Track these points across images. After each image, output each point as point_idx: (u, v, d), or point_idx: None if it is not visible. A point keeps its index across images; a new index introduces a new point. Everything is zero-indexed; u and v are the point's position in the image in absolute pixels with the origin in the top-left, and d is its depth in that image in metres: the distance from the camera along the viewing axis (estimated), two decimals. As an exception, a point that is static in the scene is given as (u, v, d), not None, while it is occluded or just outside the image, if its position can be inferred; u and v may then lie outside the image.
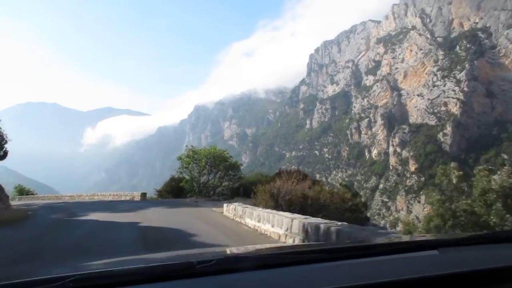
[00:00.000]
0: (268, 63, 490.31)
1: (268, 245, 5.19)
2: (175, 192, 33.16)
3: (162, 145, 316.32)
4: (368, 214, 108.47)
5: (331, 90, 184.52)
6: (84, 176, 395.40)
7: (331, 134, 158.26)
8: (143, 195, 34.23)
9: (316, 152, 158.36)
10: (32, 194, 54.13)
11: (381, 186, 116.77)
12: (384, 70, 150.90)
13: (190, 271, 1.78)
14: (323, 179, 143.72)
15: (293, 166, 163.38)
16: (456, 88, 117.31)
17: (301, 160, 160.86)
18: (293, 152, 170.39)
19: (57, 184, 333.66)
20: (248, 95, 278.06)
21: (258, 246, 3.97)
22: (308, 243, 6.91)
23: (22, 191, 54.10)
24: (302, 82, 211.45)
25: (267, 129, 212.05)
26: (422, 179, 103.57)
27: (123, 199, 34.73)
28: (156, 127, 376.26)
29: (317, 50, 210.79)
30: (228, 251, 2.82)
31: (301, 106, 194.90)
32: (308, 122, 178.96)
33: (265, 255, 2.17)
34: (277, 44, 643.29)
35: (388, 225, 76.64)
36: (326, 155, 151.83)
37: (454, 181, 14.47)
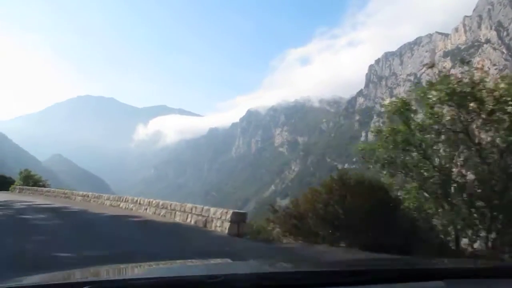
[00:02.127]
0: (324, 71, 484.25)
1: (267, 261, 4.99)
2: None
3: (211, 146, 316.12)
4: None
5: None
6: (133, 171, 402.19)
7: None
8: (240, 216, 11.82)
9: (370, 166, 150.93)
10: (43, 185, 43.35)
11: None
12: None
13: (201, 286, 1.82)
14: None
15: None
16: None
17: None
18: (346, 165, 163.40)
19: (106, 176, 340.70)
20: (301, 103, 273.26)
21: (259, 262, 4.03)
22: (311, 261, 6.10)
23: (27, 179, 44.35)
24: (359, 93, 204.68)
25: (319, 139, 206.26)
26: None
27: (178, 220, 14.51)
28: (206, 128, 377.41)
29: (377, 61, 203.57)
30: (232, 265, 2.91)
31: (357, 117, 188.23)
32: (363, 134, 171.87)
33: (270, 274, 2.18)
34: (334, 53, 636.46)
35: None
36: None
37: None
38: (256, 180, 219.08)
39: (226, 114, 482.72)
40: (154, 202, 17.18)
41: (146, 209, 17.44)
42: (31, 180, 44.14)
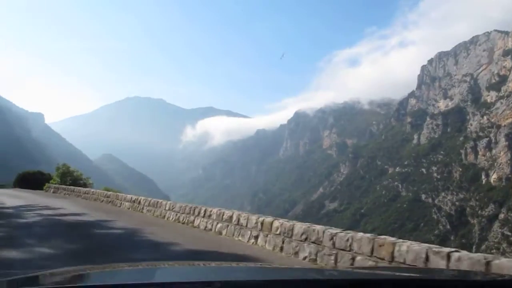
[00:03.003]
0: (373, 73, 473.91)
1: (267, 266, 4.50)
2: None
3: (259, 148, 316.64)
4: (483, 247, 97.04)
5: (443, 105, 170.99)
6: (181, 171, 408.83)
7: (442, 152, 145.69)
8: None
9: (423, 170, 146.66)
10: (84, 184, 37.83)
11: (501, 216, 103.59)
12: (511, 86, 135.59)
13: None
14: (429, 200, 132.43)
15: (395, 183, 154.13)
16: None
17: (405, 177, 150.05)
18: (397, 168, 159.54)
19: (155, 176, 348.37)
20: (350, 104, 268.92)
21: (259, 267, 3.84)
22: (317, 269, 5.49)
23: (65, 176, 38.57)
24: (411, 94, 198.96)
25: (369, 141, 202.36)
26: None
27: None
28: (254, 129, 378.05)
29: (430, 62, 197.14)
30: (231, 270, 2.83)
31: (409, 120, 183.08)
32: (415, 137, 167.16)
33: (270, 283, 2.09)
34: (384, 54, 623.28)
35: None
36: (435, 174, 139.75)
37: None
38: (303, 182, 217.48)
39: (274, 116, 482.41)
40: (278, 224, 8.78)
41: (257, 237, 9.29)
42: (69, 178, 38.45)
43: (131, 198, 19.07)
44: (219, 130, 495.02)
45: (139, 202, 17.71)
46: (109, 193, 23.33)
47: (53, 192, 32.33)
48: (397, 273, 2.76)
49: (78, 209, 17.70)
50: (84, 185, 35.76)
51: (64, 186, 32.24)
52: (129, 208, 18.30)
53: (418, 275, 2.79)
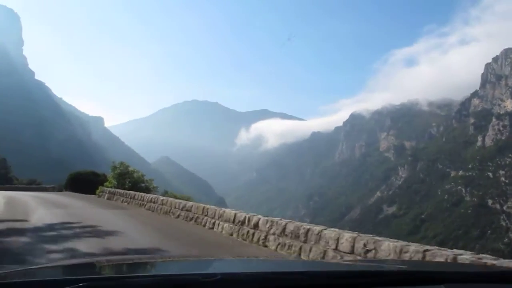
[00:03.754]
0: (432, 72, 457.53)
1: (267, 259, 4.91)
2: None
3: (313, 151, 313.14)
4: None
5: (510, 105, 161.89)
6: (236, 174, 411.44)
7: (510, 155, 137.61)
8: None
9: (489, 174, 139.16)
10: (147, 188, 30.78)
11: None
12: None
13: (195, 286, 1.76)
14: (497, 206, 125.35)
15: (458, 187, 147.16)
16: None
17: (469, 181, 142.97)
18: (460, 172, 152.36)
19: (210, 178, 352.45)
20: (408, 106, 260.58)
21: (259, 259, 4.10)
22: (313, 261, 6.11)
23: (123, 178, 31.32)
24: (474, 94, 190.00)
25: (429, 144, 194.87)
26: None
27: None
28: (308, 132, 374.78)
29: (495, 59, 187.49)
30: (232, 263, 2.87)
31: (472, 121, 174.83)
32: (479, 139, 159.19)
33: (271, 275, 2.11)
34: (443, 52, 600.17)
35: None
36: (503, 178, 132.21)
37: None
38: (360, 186, 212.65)
39: (329, 118, 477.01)
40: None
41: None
42: (127, 180, 31.38)
43: (235, 215, 11.00)
44: (273, 132, 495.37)
45: (256, 226, 9.94)
46: (189, 203, 15.07)
47: (108, 199, 26.38)
48: (391, 266, 2.86)
49: (149, 238, 10.63)
50: (147, 190, 29.20)
51: (121, 191, 25.65)
52: (231, 234, 10.84)
53: (406, 267, 2.85)
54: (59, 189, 44.44)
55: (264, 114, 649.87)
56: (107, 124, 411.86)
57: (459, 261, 4.80)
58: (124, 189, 27.85)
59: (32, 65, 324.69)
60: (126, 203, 22.56)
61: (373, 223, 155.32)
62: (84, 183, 36.85)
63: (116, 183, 31.13)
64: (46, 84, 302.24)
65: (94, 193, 30.65)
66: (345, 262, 4.01)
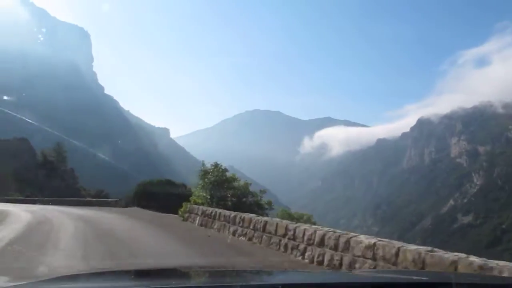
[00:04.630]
0: (507, 72, 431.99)
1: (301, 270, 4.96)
2: None
3: (380, 158, 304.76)
4: None
5: None
6: (300, 183, 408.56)
7: None
8: None
9: None
10: (260, 206, 21.34)
11: None
12: None
13: None
14: None
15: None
16: None
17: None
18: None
19: (275, 187, 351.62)
20: (481, 109, 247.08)
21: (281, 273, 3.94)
22: (316, 272, 5.72)
23: (222, 186, 21.49)
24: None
25: (506, 148, 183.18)
26: None
27: None
28: (373, 139, 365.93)
29: None
30: (290, 275, 2.95)
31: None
32: None
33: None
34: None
35: None
36: None
37: None
38: (431, 194, 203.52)
39: (395, 124, 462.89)
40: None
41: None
42: (230, 193, 21.18)
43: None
44: (337, 140, 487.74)
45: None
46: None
47: (202, 225, 17.00)
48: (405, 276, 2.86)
49: None
50: (258, 208, 20.87)
51: (225, 212, 15.39)
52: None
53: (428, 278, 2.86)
54: (125, 204, 37.34)
55: (328, 122, 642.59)
56: (173, 135, 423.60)
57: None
58: (225, 206, 19.11)
59: (101, 80, 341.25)
60: (244, 238, 13.03)
61: (447, 233, 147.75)
62: (158, 196, 29.54)
63: (209, 197, 20.86)
64: (115, 98, 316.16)
65: (173, 212, 22.90)
66: (356, 273, 3.90)
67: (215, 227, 15.40)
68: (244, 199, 21.60)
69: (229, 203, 20.18)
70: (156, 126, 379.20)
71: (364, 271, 4.36)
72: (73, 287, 2.23)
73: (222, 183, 21.72)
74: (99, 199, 44.16)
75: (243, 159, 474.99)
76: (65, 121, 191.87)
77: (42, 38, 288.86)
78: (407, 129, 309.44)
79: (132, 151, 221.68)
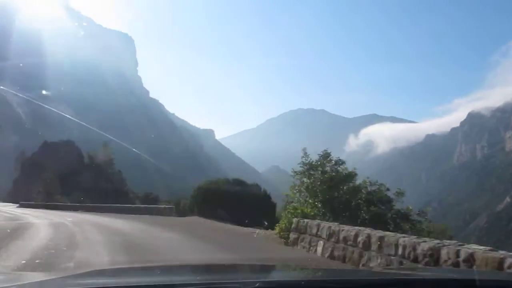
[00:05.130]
0: None
1: (305, 268, 4.80)
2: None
3: (429, 154, 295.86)
4: None
5: None
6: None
7: None
8: None
9: None
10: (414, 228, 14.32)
11: None
12: None
13: None
14: None
15: None
16: None
17: None
18: None
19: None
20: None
21: (302, 268, 4.04)
22: (338, 270, 5.67)
23: (341, 193, 15.23)
24: None
25: None
26: None
27: None
28: (422, 135, 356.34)
29: None
30: (272, 271, 2.98)
31: None
32: None
33: (313, 282, 2.13)
34: None
35: None
36: None
37: None
38: (484, 191, 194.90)
39: (443, 119, 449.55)
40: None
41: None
42: (361, 197, 15.56)
43: None
44: (383, 137, 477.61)
45: None
46: None
47: (334, 257, 9.93)
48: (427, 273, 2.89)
49: None
50: (415, 230, 13.93)
51: (396, 238, 7.68)
52: None
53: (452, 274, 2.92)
54: (181, 211, 31.71)
55: (373, 119, 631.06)
56: (218, 136, 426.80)
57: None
58: (353, 219, 13.42)
59: (146, 85, 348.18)
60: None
61: (505, 232, 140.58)
62: (225, 201, 22.88)
63: (320, 205, 14.48)
64: (160, 102, 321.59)
65: (251, 223, 18.21)
66: (377, 271, 3.86)
67: (372, 264, 8.23)
68: (382, 208, 14.40)
69: (364, 215, 13.59)
70: (201, 128, 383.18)
71: (387, 269, 4.25)
72: (100, 282, 2.27)
73: (338, 183, 14.84)
74: (149, 206, 38.02)
75: (288, 158, 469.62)
76: (112, 125, 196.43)
77: (88, 46, 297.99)
78: (457, 124, 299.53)
79: (178, 154, 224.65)
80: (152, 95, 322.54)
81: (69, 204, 44.66)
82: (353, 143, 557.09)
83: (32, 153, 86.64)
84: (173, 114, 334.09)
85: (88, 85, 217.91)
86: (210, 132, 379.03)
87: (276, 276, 2.36)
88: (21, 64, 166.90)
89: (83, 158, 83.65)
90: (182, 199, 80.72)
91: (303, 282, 2.08)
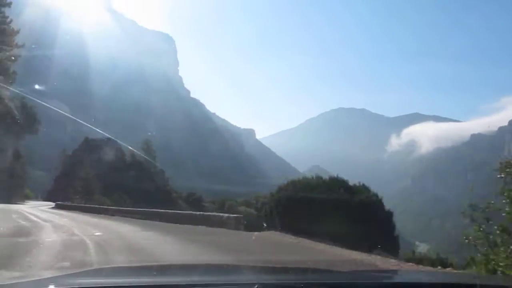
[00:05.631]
0: None
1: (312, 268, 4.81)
2: None
3: (475, 155, 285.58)
4: None
5: None
6: (388, 182, 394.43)
7: None
8: None
9: None
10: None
11: None
12: None
13: None
14: None
15: None
16: None
17: None
18: None
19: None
20: None
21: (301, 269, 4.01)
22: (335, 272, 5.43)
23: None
24: None
25: None
26: None
27: None
28: (467, 134, 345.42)
29: None
30: (269, 272, 3.01)
31: None
32: None
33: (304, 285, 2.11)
34: None
35: None
36: None
37: None
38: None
39: (490, 118, 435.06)
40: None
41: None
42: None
43: None
44: (426, 137, 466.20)
45: None
46: None
47: None
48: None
49: None
50: None
51: None
52: None
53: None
54: (247, 224, 20.86)
55: (415, 118, 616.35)
56: (258, 136, 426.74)
57: None
58: None
59: (187, 85, 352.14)
60: None
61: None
62: (321, 211, 15.46)
63: None
64: (201, 101, 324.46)
65: (370, 246, 13.15)
66: (378, 274, 3.83)
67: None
68: None
69: None
70: (242, 127, 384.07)
71: (385, 271, 4.25)
72: (95, 282, 2.24)
73: None
74: (205, 214, 27.63)
75: (328, 158, 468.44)
76: (153, 125, 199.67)
77: (130, 47, 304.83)
78: (505, 123, 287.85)
79: (218, 153, 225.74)
80: (193, 95, 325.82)
81: (105, 207, 37.40)
82: (395, 142, 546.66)
83: (73, 150, 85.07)
84: (214, 113, 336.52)
85: (130, 86, 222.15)
86: (251, 132, 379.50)
87: (274, 278, 2.33)
88: (65, 66, 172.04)
89: (125, 155, 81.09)
90: (227, 200, 79.35)
91: (302, 285, 2.05)
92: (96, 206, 39.17)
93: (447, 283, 2.48)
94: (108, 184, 66.46)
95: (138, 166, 77.91)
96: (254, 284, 1.75)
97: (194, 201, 78.73)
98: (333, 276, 3.24)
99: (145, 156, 79.20)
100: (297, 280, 2.35)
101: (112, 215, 29.39)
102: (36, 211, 35.59)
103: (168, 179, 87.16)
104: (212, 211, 38.77)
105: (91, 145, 79.16)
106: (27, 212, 30.81)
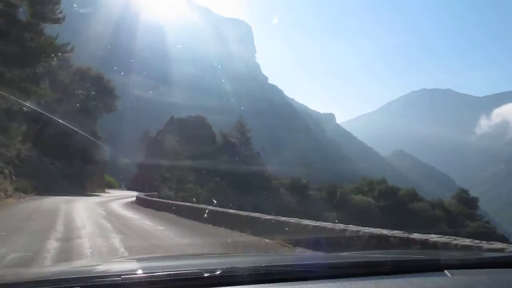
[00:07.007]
0: None
1: (269, 254, 5.02)
2: None
3: None
4: None
5: None
6: (478, 166, 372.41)
7: None
8: None
9: None
10: None
11: None
12: None
13: (197, 282, 1.79)
14: None
15: None
16: None
17: None
18: None
19: (448, 171, 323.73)
20: None
21: (261, 256, 4.12)
22: (310, 254, 6.36)
23: None
24: None
25: None
26: None
27: None
28: None
29: None
30: (232, 259, 2.96)
31: None
32: None
33: (276, 268, 2.15)
34: None
35: None
36: None
37: None
38: None
39: None
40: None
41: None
42: None
43: None
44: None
45: None
46: None
47: None
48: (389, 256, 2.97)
49: None
50: None
51: None
52: None
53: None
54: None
55: (508, 97, 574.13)
56: (338, 120, 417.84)
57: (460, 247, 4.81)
58: None
59: (264, 71, 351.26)
60: None
61: None
62: None
63: None
64: (279, 87, 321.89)
65: None
66: (343, 254, 4.07)
67: None
68: None
69: None
70: (321, 112, 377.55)
71: (352, 253, 4.41)
72: (106, 269, 2.29)
73: None
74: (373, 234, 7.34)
75: (413, 141, 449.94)
76: (233, 111, 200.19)
77: (207, 35, 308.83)
78: None
79: (300, 138, 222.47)
80: (271, 81, 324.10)
81: (197, 206, 20.28)
82: (485, 124, 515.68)
83: (157, 131, 74.59)
84: (293, 99, 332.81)
85: (208, 73, 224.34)
86: (331, 116, 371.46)
87: (237, 263, 2.33)
88: (146, 54, 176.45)
89: (215, 137, 73.50)
90: (338, 187, 73.46)
91: (262, 266, 2.13)
92: (188, 204, 18.68)
93: (411, 259, 2.52)
94: (198, 171, 57.19)
95: (230, 149, 71.63)
96: (216, 269, 1.87)
97: (300, 189, 71.33)
98: (295, 258, 3.46)
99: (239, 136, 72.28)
100: (258, 263, 2.37)
101: (214, 223, 14.30)
102: (115, 204, 25.51)
103: (265, 163, 79.47)
104: (319, 202, 34.94)
105: (176, 125, 70.83)
106: (78, 217, 14.74)
